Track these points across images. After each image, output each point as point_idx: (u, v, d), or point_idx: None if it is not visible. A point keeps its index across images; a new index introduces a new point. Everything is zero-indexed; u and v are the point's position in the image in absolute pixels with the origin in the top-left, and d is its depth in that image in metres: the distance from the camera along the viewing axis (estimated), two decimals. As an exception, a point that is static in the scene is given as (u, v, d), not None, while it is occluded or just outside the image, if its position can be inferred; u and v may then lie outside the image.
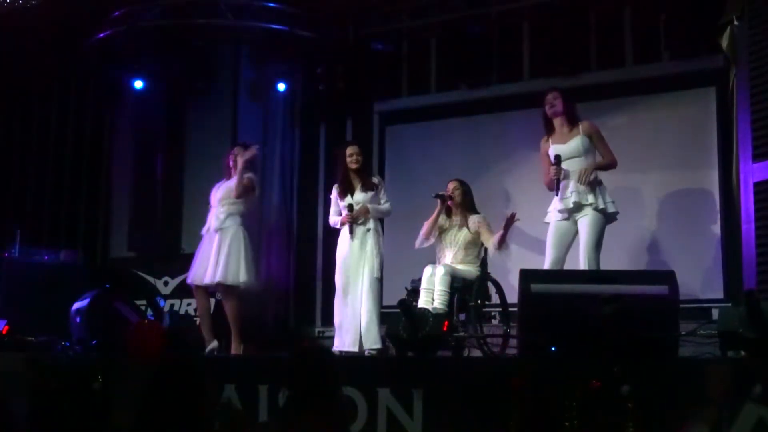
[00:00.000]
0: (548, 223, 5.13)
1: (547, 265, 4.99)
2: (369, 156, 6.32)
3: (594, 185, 4.98)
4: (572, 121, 5.14)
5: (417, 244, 5.61)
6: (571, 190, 4.97)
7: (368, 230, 5.47)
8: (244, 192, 5.80)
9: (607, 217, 5.01)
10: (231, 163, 5.87)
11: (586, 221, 4.95)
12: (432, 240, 5.58)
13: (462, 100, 7.13)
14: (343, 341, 5.38)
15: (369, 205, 5.49)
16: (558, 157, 5.02)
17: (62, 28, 7.42)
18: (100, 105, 8.21)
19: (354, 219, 5.45)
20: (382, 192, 5.60)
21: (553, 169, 5.01)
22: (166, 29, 7.21)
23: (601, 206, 4.95)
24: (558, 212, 5.04)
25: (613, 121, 6.43)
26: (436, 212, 5.56)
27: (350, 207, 5.49)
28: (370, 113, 7.56)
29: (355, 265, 5.43)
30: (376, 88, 7.48)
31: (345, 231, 5.52)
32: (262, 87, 7.65)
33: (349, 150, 5.61)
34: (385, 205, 5.61)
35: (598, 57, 6.65)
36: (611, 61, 6.60)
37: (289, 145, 7.86)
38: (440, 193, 5.59)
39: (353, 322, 5.37)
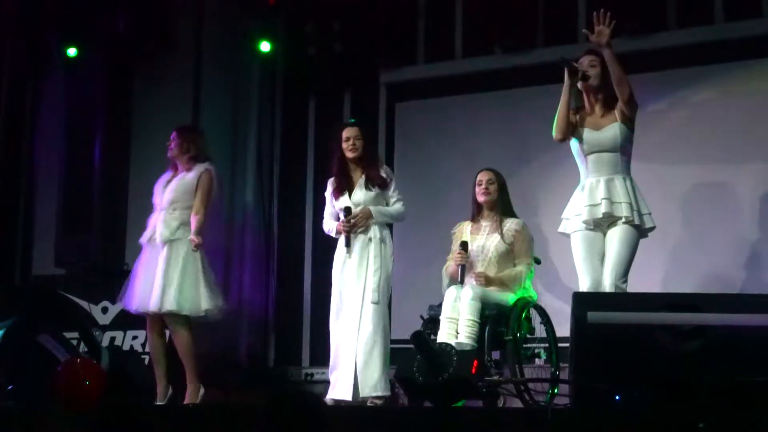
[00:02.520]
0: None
1: (584, 290, 4.99)
2: (374, 140, 6.29)
3: (629, 191, 4.96)
4: (609, 102, 5.07)
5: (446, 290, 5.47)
6: (603, 197, 4.97)
7: (369, 240, 5.45)
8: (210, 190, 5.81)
9: (641, 232, 5.04)
10: (170, 154, 5.88)
11: (615, 234, 4.98)
12: None
13: (497, 68, 7.13)
14: (335, 386, 5.37)
15: (372, 208, 5.48)
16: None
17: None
18: (20, 73, 8.20)
19: (351, 226, 5.43)
20: (393, 188, 5.57)
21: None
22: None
23: (636, 221, 4.95)
24: (583, 222, 5.05)
25: (697, 96, 6.44)
26: (459, 274, 5.39)
27: (347, 210, 5.48)
28: (375, 85, 7.58)
29: (352, 285, 5.42)
30: (383, 53, 7.47)
31: (342, 241, 5.51)
32: (232, 49, 7.65)
33: (346, 133, 5.59)
34: (395, 206, 5.57)
35: (678, 10, 6.63)
36: (696, 17, 6.59)
37: (267, 126, 7.87)
38: (462, 248, 5.40)
39: (347, 361, 5.35)
